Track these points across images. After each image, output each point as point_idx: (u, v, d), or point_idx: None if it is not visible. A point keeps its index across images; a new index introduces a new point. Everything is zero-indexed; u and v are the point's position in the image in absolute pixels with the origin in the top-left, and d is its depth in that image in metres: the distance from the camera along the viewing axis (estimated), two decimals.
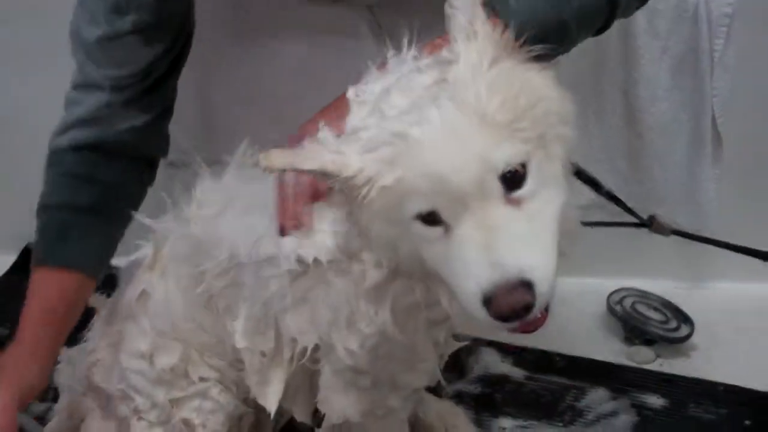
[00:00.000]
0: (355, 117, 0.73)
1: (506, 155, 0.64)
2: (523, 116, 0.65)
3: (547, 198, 0.67)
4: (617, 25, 1.28)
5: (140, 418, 0.98)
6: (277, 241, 0.84)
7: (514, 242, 0.64)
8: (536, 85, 0.68)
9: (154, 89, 1.02)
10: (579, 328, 1.40)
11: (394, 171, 0.66)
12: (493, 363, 1.33)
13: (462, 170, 0.64)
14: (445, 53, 0.71)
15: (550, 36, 0.85)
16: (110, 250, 1.02)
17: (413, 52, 0.75)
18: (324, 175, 0.69)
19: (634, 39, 1.28)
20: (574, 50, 1.22)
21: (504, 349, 1.35)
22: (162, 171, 1.50)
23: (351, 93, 0.76)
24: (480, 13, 0.69)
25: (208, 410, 0.98)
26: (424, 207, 0.66)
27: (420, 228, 0.67)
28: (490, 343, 1.35)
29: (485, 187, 0.64)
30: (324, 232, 0.80)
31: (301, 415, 0.99)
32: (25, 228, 1.58)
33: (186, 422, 0.98)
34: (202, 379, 0.98)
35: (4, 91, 1.47)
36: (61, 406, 1.10)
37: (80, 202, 0.99)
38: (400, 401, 0.93)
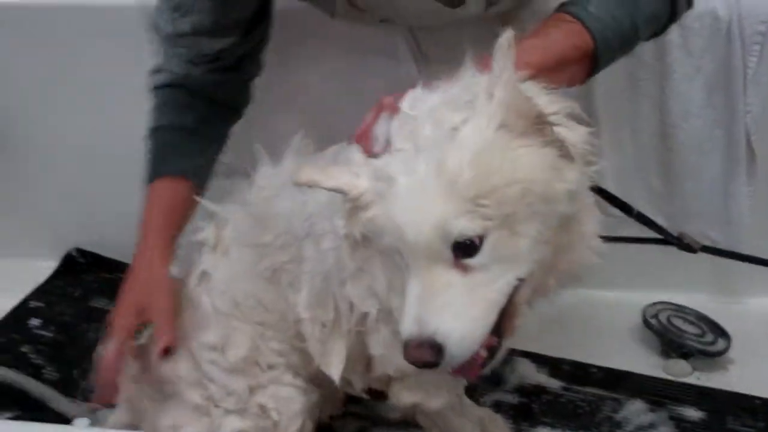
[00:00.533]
0: (397, 133, 0.79)
1: (461, 227, 0.71)
2: (490, 195, 0.71)
3: (497, 273, 0.73)
4: (652, 43, 1.33)
5: (216, 406, 1.01)
6: (331, 217, 0.92)
7: (444, 306, 0.72)
8: (522, 165, 0.72)
9: (232, 67, 1.15)
10: (615, 340, 1.40)
11: (377, 206, 0.75)
12: (530, 373, 1.34)
13: (417, 230, 0.71)
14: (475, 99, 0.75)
15: (624, 41, 0.94)
16: (211, 168, 1.16)
17: (470, 70, 0.80)
18: (340, 192, 0.79)
19: (669, 56, 1.31)
20: (610, 68, 1.27)
21: (540, 359, 1.36)
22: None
23: (406, 105, 0.82)
24: (506, 77, 0.72)
25: (284, 396, 1.02)
26: (391, 244, 0.75)
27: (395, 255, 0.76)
28: (526, 354, 1.36)
29: (435, 250, 0.72)
30: None
31: (359, 384, 1.04)
32: (67, 235, 1.66)
33: (262, 408, 1.01)
34: (270, 367, 1.02)
35: (44, 104, 1.53)
36: (121, 399, 1.12)
37: (186, 124, 1.13)
38: None
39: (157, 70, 1.16)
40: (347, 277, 0.93)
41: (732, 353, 1.34)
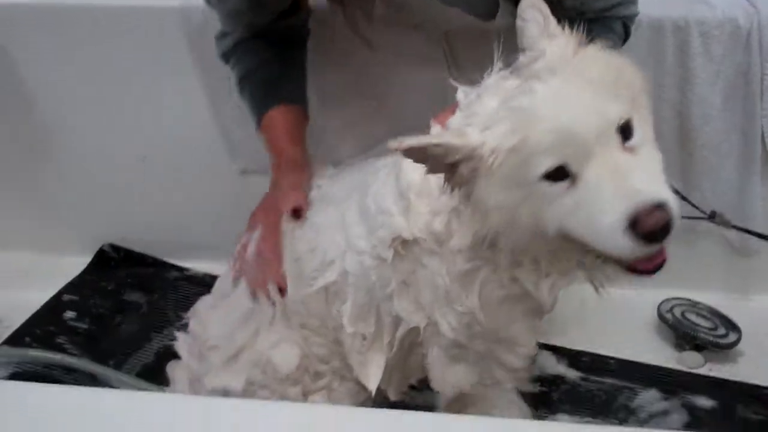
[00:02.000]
0: (455, 119, 0.85)
1: (617, 109, 0.75)
2: (620, 80, 0.77)
3: (651, 152, 0.78)
4: (674, 48, 1.36)
5: None
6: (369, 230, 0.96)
7: (642, 176, 0.74)
8: (616, 61, 0.79)
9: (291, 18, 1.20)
10: (631, 334, 1.46)
11: (516, 136, 0.75)
12: (550, 365, 1.40)
13: (585, 122, 0.74)
14: (522, 58, 0.81)
15: None
16: (305, 91, 1.22)
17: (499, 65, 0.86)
18: (448, 152, 0.77)
19: (691, 62, 1.34)
20: None
21: (560, 352, 1.42)
22: (235, 177, 1.60)
23: (460, 94, 0.87)
24: (552, 20, 0.80)
25: (336, 399, 1.07)
26: (550, 163, 0.75)
27: (545, 186, 0.76)
28: (547, 347, 1.41)
29: (606, 136, 0.74)
30: (422, 214, 0.91)
31: (395, 395, 1.08)
32: (100, 231, 1.69)
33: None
34: (317, 375, 1.06)
35: (77, 105, 1.55)
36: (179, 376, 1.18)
37: (273, 58, 1.18)
38: (505, 374, 1.02)
39: (222, 35, 1.20)
40: (393, 292, 0.96)
41: (742, 346, 1.40)
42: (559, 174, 0.75)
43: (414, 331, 0.98)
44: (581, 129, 0.73)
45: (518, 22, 0.81)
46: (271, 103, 1.16)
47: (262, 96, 1.18)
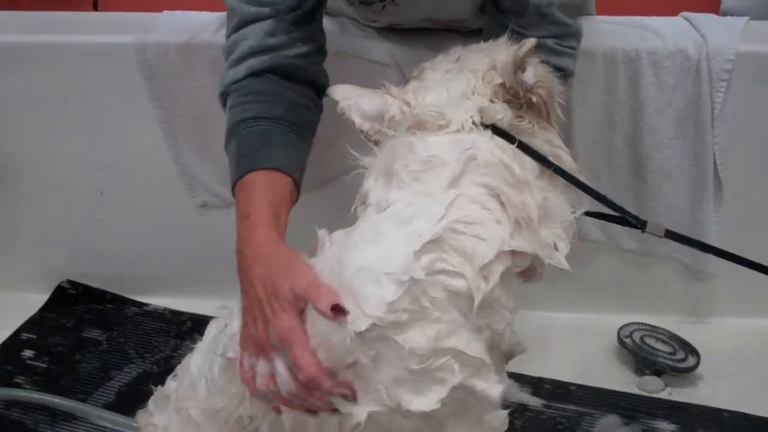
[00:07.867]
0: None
1: None
2: None
3: None
4: (626, 80, 1.39)
5: None
6: None
7: None
8: None
9: (307, 21, 1.06)
10: (592, 360, 1.47)
11: None
12: (513, 392, 1.39)
13: None
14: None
15: None
16: (304, 164, 1.03)
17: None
18: None
19: (642, 92, 1.36)
20: (588, 105, 1.33)
21: (523, 379, 1.42)
22: (194, 212, 1.59)
23: None
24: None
25: None
26: None
27: None
28: (510, 375, 1.42)
29: None
30: None
31: None
32: (57, 267, 1.67)
33: None
34: None
35: (33, 138, 1.54)
36: None
37: (275, 113, 1.01)
38: None
39: (236, 62, 1.04)
40: None
41: (701, 369, 1.42)
42: None
43: None
44: None
45: (342, 105, 0.91)
46: (269, 161, 0.97)
47: (255, 152, 0.98)
